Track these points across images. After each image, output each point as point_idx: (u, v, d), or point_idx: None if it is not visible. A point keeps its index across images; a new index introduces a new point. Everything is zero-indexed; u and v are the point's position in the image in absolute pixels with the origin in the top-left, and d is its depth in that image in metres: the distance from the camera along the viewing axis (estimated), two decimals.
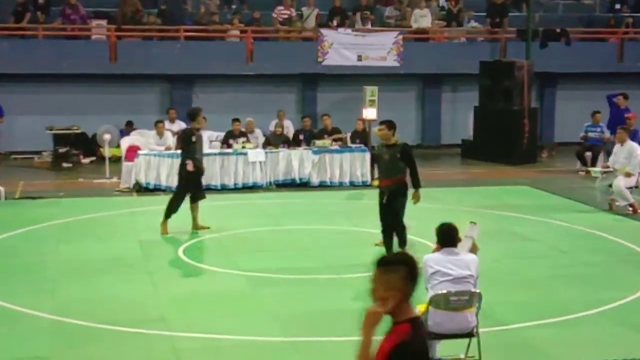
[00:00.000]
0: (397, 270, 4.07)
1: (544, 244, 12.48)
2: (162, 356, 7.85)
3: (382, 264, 4.14)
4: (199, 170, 12.72)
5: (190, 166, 12.45)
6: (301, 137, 18.01)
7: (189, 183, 12.72)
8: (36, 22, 21.09)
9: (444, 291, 6.95)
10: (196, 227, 12.69)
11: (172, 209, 12.64)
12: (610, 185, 14.86)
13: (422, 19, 23.15)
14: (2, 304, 9.29)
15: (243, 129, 18.14)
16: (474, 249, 7.49)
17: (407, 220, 11.04)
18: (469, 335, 7.16)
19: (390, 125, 11.33)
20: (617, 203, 14.87)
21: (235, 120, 17.94)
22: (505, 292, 9.79)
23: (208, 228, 12.67)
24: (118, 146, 18.97)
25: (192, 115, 13.06)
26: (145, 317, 8.89)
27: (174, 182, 16.15)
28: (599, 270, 11.06)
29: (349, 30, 22.10)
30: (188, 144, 12.66)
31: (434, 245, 7.46)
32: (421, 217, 13.94)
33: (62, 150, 19.81)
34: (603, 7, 26.46)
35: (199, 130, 12.94)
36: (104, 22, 21.59)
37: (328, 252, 11.47)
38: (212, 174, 16.52)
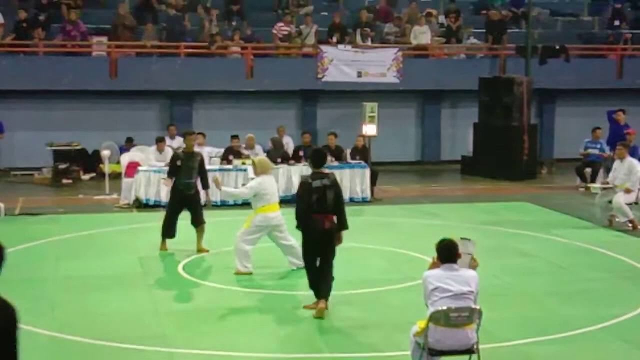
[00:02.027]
0: None
1: (544, 260, 12.47)
2: None
3: None
4: (181, 194, 12.62)
5: (164, 183, 12.91)
6: (301, 153, 18.02)
7: (171, 204, 12.81)
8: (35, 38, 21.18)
9: (444, 307, 6.93)
10: (198, 248, 12.69)
11: (163, 230, 12.70)
12: (610, 202, 14.87)
13: (422, 35, 23.23)
14: None
15: (243, 146, 18.17)
16: (473, 265, 7.47)
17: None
18: (470, 351, 7.14)
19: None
20: (616, 219, 14.87)
21: (234, 136, 17.97)
22: (505, 308, 9.77)
23: (207, 251, 12.63)
24: (118, 162, 18.99)
25: (182, 137, 13.49)
26: (145, 334, 8.87)
27: None
28: (599, 286, 11.04)
29: (348, 47, 22.17)
30: (173, 167, 12.76)
31: (430, 260, 7.44)
32: (421, 233, 13.97)
33: (62, 166, 19.83)
34: (602, 23, 26.55)
35: (191, 151, 12.85)
36: (104, 39, 21.67)
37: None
38: (211, 190, 16.50)
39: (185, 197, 12.62)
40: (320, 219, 9.31)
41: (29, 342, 8.59)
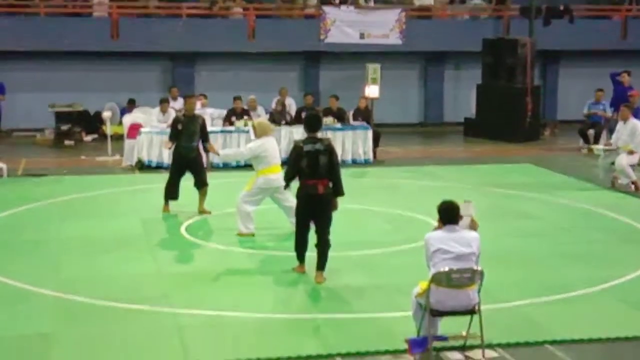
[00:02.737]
0: None
1: (546, 221, 12.49)
2: (165, 333, 7.88)
3: None
4: (182, 157, 12.61)
5: (164, 146, 12.69)
6: (303, 114, 17.96)
7: (174, 166, 12.79)
8: None
9: (446, 269, 6.97)
10: (199, 209, 12.70)
11: (165, 191, 12.73)
12: (613, 163, 14.86)
13: None
14: (6, 281, 9.33)
15: (245, 107, 18.13)
16: (473, 226, 7.49)
17: None
18: (471, 312, 7.19)
19: None
20: (619, 181, 14.88)
21: (237, 98, 17.93)
22: (507, 269, 9.81)
23: (209, 213, 12.66)
24: (120, 124, 18.97)
25: (183, 100, 13.29)
26: (148, 294, 8.92)
27: None
28: (601, 248, 11.07)
29: (351, 8, 22.03)
30: (174, 131, 12.73)
31: (435, 223, 7.47)
32: (424, 194, 13.99)
33: (64, 127, 19.83)
34: None
35: (192, 115, 12.79)
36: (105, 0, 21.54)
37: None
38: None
39: (187, 160, 12.63)
40: (314, 184, 9.24)
41: (34, 302, 8.68)
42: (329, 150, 9.32)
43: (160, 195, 12.81)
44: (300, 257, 9.70)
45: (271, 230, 11.62)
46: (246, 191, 11.28)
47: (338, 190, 9.42)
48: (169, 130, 16.57)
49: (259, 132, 11.23)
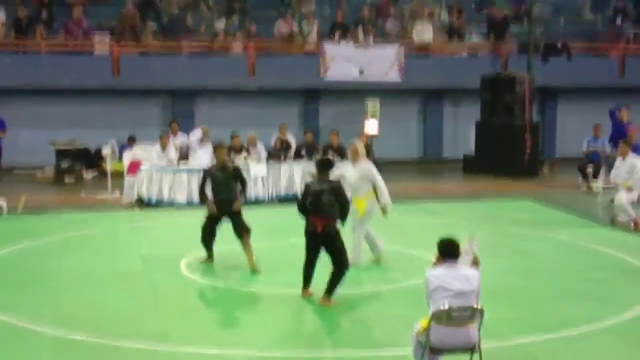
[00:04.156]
0: None
1: (545, 259, 12.47)
2: None
3: None
4: (218, 211, 11.49)
5: (210, 209, 11.56)
6: (303, 152, 18.02)
7: (208, 219, 11.65)
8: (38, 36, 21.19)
9: (446, 306, 6.95)
10: (250, 266, 11.45)
11: (202, 242, 11.75)
12: (612, 200, 14.86)
13: (424, 32, 23.22)
14: (4, 318, 9.29)
15: (244, 144, 18.17)
16: (475, 264, 7.49)
17: None
18: (471, 350, 7.15)
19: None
20: (619, 218, 14.86)
21: (234, 136, 17.92)
22: (507, 307, 9.78)
23: (259, 271, 11.45)
24: (120, 161, 19.00)
25: (213, 150, 12.40)
26: (148, 332, 8.88)
27: (176, 196, 16.23)
28: (601, 285, 11.05)
29: (350, 44, 22.18)
30: (205, 185, 11.71)
31: (434, 258, 7.46)
32: (423, 231, 13.98)
33: (64, 164, 19.85)
34: (604, 21, 26.54)
35: (223, 165, 11.66)
36: (106, 37, 21.68)
37: (331, 267, 11.43)
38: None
39: (221, 212, 11.53)
40: (314, 222, 9.79)
41: (34, 340, 8.64)
42: (334, 191, 9.86)
43: (160, 231, 12.79)
44: (306, 282, 10.09)
45: (274, 268, 11.58)
46: (362, 217, 11.49)
47: (342, 217, 9.92)
48: (169, 167, 16.70)
49: (360, 156, 11.59)
